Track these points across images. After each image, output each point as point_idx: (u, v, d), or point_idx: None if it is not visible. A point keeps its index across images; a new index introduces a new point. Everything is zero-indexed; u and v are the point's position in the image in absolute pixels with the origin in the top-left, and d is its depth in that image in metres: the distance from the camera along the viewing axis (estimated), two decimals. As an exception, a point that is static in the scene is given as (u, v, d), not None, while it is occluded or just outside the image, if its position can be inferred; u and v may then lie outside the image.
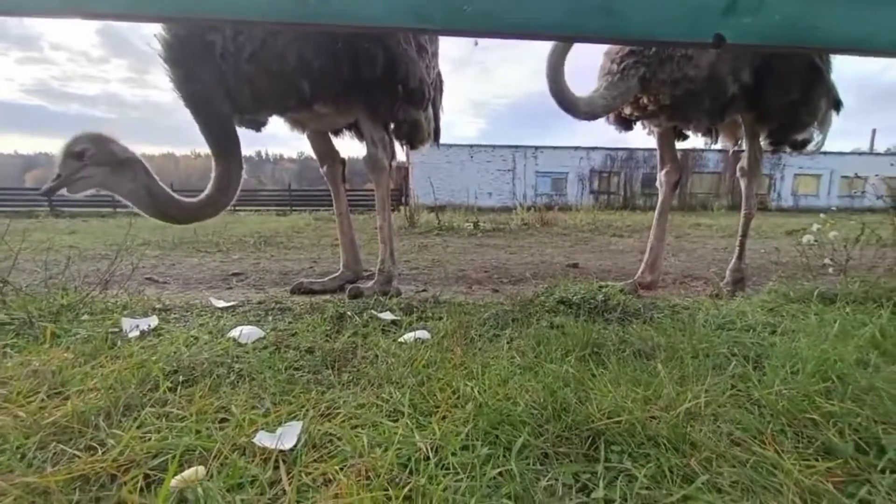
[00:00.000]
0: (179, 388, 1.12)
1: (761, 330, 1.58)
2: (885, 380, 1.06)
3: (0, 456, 0.83)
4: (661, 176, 2.79)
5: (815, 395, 0.97)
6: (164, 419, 0.97)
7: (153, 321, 1.66)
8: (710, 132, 2.85)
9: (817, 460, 0.80)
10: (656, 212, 2.75)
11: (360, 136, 2.72)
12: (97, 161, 1.58)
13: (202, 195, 1.87)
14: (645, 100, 2.38)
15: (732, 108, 2.37)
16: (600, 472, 0.76)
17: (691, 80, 2.23)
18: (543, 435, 0.87)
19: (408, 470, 0.77)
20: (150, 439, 0.89)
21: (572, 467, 0.77)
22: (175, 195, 1.79)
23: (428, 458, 0.79)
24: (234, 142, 1.91)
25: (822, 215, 2.55)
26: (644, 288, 2.62)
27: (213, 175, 1.89)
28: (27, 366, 1.20)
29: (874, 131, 27.93)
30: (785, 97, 2.33)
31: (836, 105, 2.59)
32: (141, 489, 0.76)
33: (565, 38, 1.91)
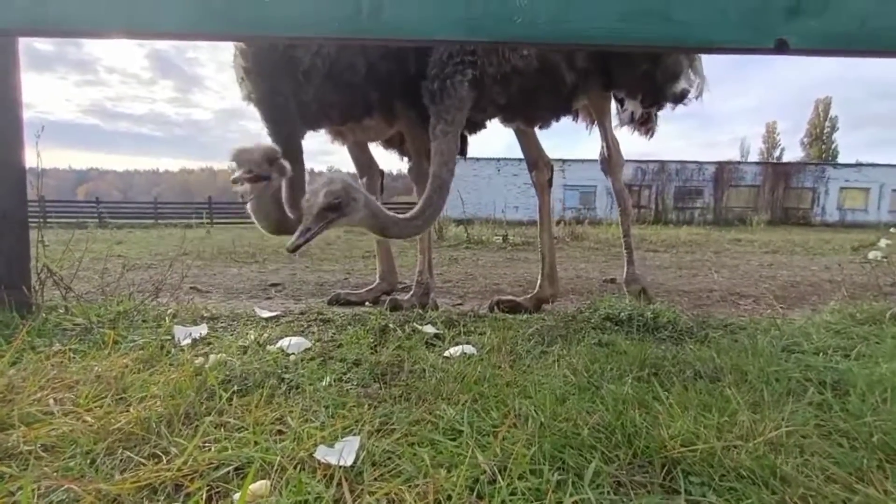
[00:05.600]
0: (234, 397, 1.13)
1: (832, 353, 1.47)
2: None
3: (72, 461, 0.85)
4: (532, 177, 2.62)
5: (915, 429, 0.88)
6: (222, 429, 0.98)
7: (203, 329, 1.70)
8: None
9: (930, 503, 0.72)
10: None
11: (402, 151, 2.76)
12: (344, 214, 1.53)
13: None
14: (483, 103, 2.03)
15: (577, 96, 2.22)
16: (683, 505, 0.70)
17: (521, 72, 1.96)
18: (614, 462, 0.82)
19: (475, 493, 0.74)
20: (210, 450, 0.89)
21: (651, 499, 0.72)
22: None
23: (494, 480, 0.76)
24: (302, 156, 1.96)
25: (892, 229, 2.38)
26: (544, 302, 2.46)
27: (285, 192, 1.82)
28: (90, 371, 1.24)
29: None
30: (637, 70, 2.17)
31: None
32: (206, 500, 0.76)
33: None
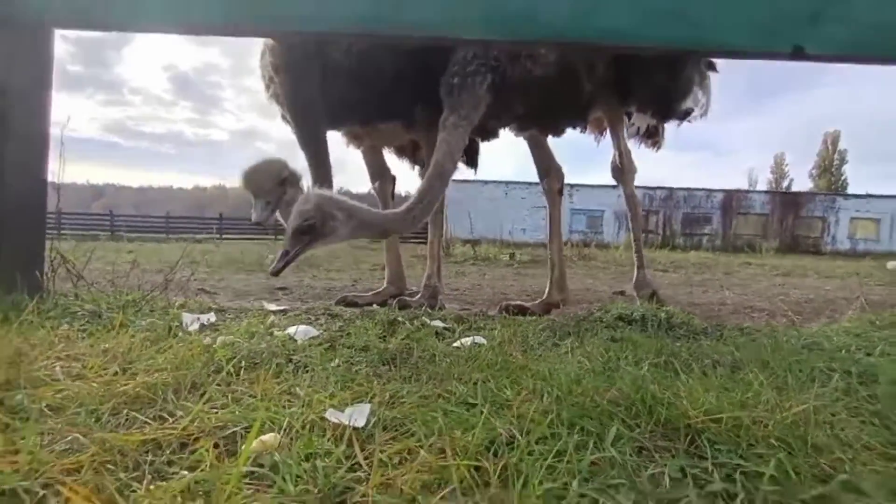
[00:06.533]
0: (242, 371, 1.11)
1: (855, 351, 1.42)
2: None
3: (77, 418, 0.83)
4: (543, 185, 2.71)
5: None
6: (229, 396, 0.96)
7: (212, 317, 1.69)
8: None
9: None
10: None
11: (414, 160, 2.80)
12: (322, 234, 1.43)
13: None
14: (499, 110, 2.03)
15: (593, 107, 2.33)
16: (710, 467, 0.67)
17: (541, 81, 2.00)
18: (636, 429, 0.78)
19: (492, 452, 0.70)
20: (217, 413, 0.87)
21: (677, 461, 0.69)
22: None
23: (512, 442, 0.73)
24: (328, 155, 1.99)
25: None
26: (553, 307, 2.46)
27: None
28: (97, 346, 1.23)
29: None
30: (652, 83, 2.24)
31: (710, 66, 2.53)
32: (213, 458, 0.73)
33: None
